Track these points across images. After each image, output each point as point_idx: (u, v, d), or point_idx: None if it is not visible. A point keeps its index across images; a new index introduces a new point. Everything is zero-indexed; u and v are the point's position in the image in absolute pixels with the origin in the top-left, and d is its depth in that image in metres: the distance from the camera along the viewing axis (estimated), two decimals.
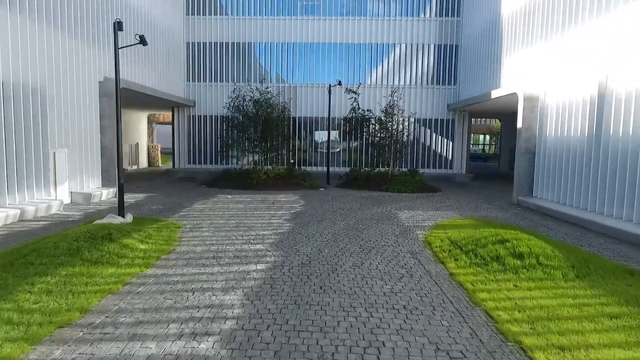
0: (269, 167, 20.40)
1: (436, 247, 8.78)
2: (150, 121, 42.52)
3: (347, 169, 21.70)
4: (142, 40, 10.89)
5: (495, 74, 18.82)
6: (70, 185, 14.16)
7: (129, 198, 15.37)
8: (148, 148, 32.88)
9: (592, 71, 12.05)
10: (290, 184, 19.13)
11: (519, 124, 15.22)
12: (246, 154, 20.90)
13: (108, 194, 15.23)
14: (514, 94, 15.61)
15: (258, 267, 7.19)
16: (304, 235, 9.66)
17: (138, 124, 30.68)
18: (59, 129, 13.42)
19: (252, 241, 9.08)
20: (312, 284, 6.39)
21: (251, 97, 19.84)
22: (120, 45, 10.84)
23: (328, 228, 10.54)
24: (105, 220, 10.38)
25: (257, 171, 19.52)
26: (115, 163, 15.59)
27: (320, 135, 25.22)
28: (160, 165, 33.27)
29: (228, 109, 20.43)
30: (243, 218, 11.76)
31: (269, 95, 19.83)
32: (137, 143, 30.71)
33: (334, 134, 25.19)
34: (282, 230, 10.18)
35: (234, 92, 20.58)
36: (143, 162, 31.73)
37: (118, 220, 10.58)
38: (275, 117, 20.10)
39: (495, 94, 17.39)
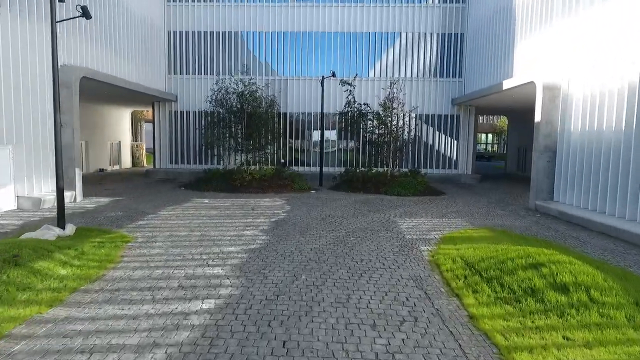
0: (255, 167, 18.43)
1: (447, 270, 6.80)
2: (137, 119, 40.58)
3: (343, 170, 19.69)
4: (85, 13, 8.91)
5: (507, 63, 16.83)
6: (17, 189, 12.18)
7: (91, 203, 13.43)
8: (132, 147, 30.91)
9: (632, 54, 10.05)
10: (278, 186, 17.15)
11: (537, 118, 13.24)
12: (230, 152, 18.92)
13: (65, 198, 13.21)
14: (531, 83, 13.62)
15: (203, 306, 5.21)
16: (279, 253, 7.68)
17: (120, 121, 28.70)
18: None
19: (210, 262, 7.10)
20: (271, 337, 4.41)
21: (234, 89, 17.86)
22: (58, 19, 8.85)
23: (311, 242, 8.56)
24: (36, 234, 8.41)
25: (241, 172, 17.53)
26: (74, 163, 13.71)
27: (314, 133, 23.23)
28: (145, 165, 31.30)
29: (210, 103, 18.45)
30: (211, 228, 9.78)
31: (254, 87, 17.83)
32: (120, 142, 28.75)
33: (328, 132, 23.18)
34: (253, 246, 8.20)
35: (216, 84, 18.60)
36: (126, 162, 29.76)
37: (54, 232, 8.61)
38: (261, 112, 18.12)
39: (507, 84, 15.40)
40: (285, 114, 22.88)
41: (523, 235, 9.54)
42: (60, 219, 9.04)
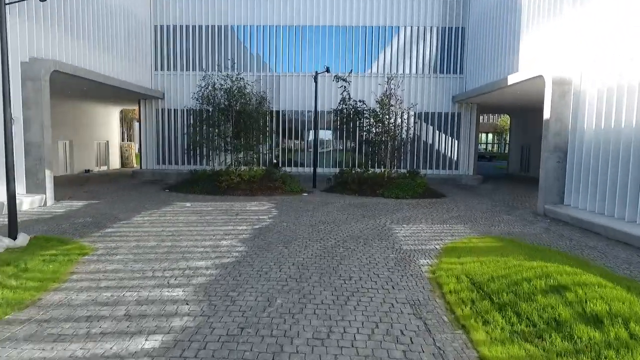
0: (245, 168, 17.36)
1: (450, 291, 5.74)
2: (129, 118, 39.57)
3: (338, 170, 18.63)
4: None
5: (512, 57, 15.79)
6: None
7: (62, 207, 12.36)
8: (121, 147, 29.84)
9: None
10: (268, 189, 16.09)
11: (546, 115, 12.20)
12: (219, 152, 17.84)
13: (33, 203, 12.17)
14: (539, 78, 12.58)
15: (146, 346, 4.15)
16: (255, 270, 6.62)
17: (107, 119, 27.61)
18: None
19: (172, 281, 6.05)
20: None
21: (221, 85, 16.80)
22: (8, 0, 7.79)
23: (295, 255, 7.51)
24: None
25: (229, 173, 16.46)
26: (44, 163, 12.66)
27: (308, 133, 22.17)
28: (134, 166, 30.22)
29: (197, 100, 17.39)
30: (185, 238, 8.72)
31: (242, 83, 16.77)
32: (107, 141, 27.68)
33: (324, 131, 22.15)
34: (227, 260, 7.14)
35: (203, 79, 17.53)
36: (114, 163, 28.69)
37: (2, 244, 7.56)
38: (251, 110, 17.06)
39: (513, 79, 14.35)
40: (278, 112, 21.84)
41: (534, 246, 8.50)
42: (12, 228, 7.98)
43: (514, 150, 28.71)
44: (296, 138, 22.25)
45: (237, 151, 17.22)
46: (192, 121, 20.09)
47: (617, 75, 10.22)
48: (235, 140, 17.18)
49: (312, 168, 20.72)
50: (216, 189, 15.95)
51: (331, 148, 22.39)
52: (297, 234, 9.24)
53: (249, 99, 17.14)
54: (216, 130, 17.38)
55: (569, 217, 11.05)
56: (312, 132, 21.46)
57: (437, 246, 8.37)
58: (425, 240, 8.87)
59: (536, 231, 10.10)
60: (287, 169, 21.79)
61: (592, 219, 10.25)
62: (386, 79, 17.20)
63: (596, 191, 10.92)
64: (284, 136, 22.13)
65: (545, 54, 13.28)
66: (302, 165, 22.01)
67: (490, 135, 64.67)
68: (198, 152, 21.00)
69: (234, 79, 16.70)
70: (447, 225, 10.55)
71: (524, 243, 8.68)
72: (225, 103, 16.75)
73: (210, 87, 17.16)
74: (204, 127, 18.06)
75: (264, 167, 18.53)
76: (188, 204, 13.25)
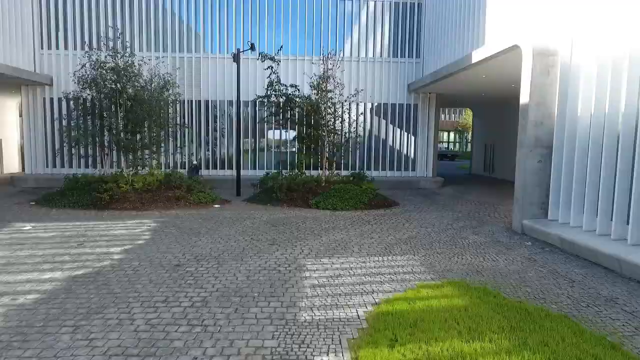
0: (143, 171, 13.39)
1: None
2: None
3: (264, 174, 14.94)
4: None
5: (477, 31, 12.65)
6: None
7: None
8: (21, 147, 24.80)
9: None
10: (166, 199, 12.18)
11: (523, 98, 9.04)
12: (109, 152, 13.77)
13: None
14: (514, 50, 9.42)
15: None
16: None
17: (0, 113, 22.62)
18: None
19: None
20: None
21: (103, 63, 12.75)
22: None
23: (78, 350, 3.76)
24: None
25: (117, 180, 12.46)
26: None
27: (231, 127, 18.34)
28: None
29: (78, 83, 13.24)
30: None
31: (131, 59, 12.81)
32: (0, 140, 22.68)
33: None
34: None
35: (86, 55, 13.33)
36: (10, 166, 23.63)
37: None
38: (148, 96, 13.10)
39: (478, 55, 11.17)
40: (199, 102, 17.89)
41: (521, 304, 5.11)
42: None
43: (477, 149, 26.11)
44: (222, 135, 18.38)
45: (131, 150, 13.19)
46: (75, 112, 15.77)
47: (623, 42, 7.14)
48: (129, 136, 13.17)
49: (248, 170, 17.25)
50: (96, 201, 11.89)
51: (264, 146, 18.66)
52: (134, 287, 5.49)
53: (147, 81, 13.19)
54: (105, 123, 13.31)
55: (559, 239, 7.89)
56: (245, 128, 17.66)
57: (363, 309, 4.87)
58: (347, 295, 5.35)
59: (516, 265, 6.83)
60: (213, 172, 18.00)
61: (595, 244, 7.08)
62: (322, 59, 13.67)
63: (596, 202, 7.81)
64: (206, 133, 18.20)
65: (521, 20, 10.14)
66: (230, 167, 18.15)
67: (452, 134, 63.12)
68: (83, 153, 16.76)
69: (121, 54, 12.69)
70: (389, 258, 7.12)
71: (501, 295, 5.34)
72: (112, 86, 12.72)
73: (97, 67, 13.04)
74: (92, 119, 13.96)
75: (168, 171, 14.52)
76: (28, 226, 9.19)
